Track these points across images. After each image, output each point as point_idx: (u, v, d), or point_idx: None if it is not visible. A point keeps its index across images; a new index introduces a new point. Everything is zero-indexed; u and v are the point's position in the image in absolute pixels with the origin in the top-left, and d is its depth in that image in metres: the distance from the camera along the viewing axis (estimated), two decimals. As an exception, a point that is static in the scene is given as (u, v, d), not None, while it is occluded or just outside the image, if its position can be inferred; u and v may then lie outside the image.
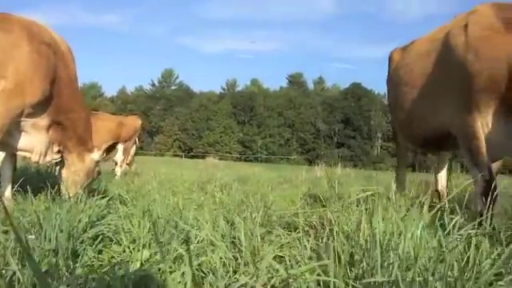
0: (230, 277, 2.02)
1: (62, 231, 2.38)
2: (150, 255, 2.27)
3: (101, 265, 2.30)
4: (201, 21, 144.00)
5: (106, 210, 3.29)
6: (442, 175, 5.18)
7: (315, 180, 9.30)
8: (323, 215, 2.80)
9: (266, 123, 76.86)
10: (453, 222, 2.14)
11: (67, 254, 2.30)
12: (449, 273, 1.51)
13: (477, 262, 1.72)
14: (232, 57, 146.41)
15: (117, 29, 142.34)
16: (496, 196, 3.17)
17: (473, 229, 2.22)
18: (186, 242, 2.48)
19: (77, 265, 2.20)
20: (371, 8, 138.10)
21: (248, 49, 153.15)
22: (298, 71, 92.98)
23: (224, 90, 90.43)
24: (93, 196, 3.50)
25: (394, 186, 3.19)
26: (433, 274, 1.52)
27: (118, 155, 10.49)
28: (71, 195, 3.74)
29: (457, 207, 2.72)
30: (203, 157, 48.09)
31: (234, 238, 2.53)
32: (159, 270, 2.08)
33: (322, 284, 1.80)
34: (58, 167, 4.35)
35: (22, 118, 3.71)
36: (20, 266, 1.88)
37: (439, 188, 5.14)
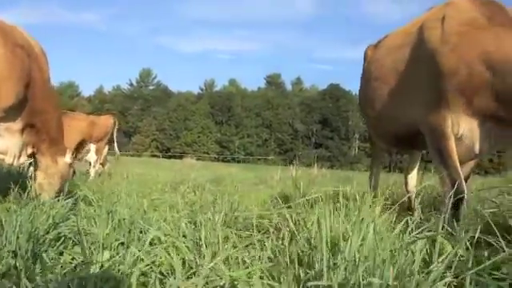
0: (188, 278, 2.03)
1: (22, 233, 2.36)
2: (111, 256, 2.26)
3: (61, 266, 2.28)
4: (179, 20, 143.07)
5: (71, 211, 3.25)
6: (413, 176, 5.02)
7: (290, 180, 9.31)
8: (288, 216, 2.81)
9: (244, 124, 76.73)
10: (412, 224, 2.16)
11: (27, 255, 2.28)
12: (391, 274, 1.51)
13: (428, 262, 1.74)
14: (210, 57, 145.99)
15: (95, 27, 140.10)
16: (462, 197, 3.06)
17: (429, 230, 2.22)
18: (151, 243, 2.48)
19: (36, 266, 2.18)
20: (351, 9, 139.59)
21: (226, 49, 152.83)
22: (276, 72, 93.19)
23: (202, 90, 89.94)
24: (58, 197, 3.46)
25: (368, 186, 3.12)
26: (381, 277, 1.53)
27: (91, 155, 10.37)
28: (47, 198, 3.67)
29: (419, 208, 2.74)
30: (181, 157, 47.71)
31: (198, 238, 2.52)
32: (119, 271, 2.08)
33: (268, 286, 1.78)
34: (31, 168, 4.29)
35: None
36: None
37: (409, 189, 4.96)
